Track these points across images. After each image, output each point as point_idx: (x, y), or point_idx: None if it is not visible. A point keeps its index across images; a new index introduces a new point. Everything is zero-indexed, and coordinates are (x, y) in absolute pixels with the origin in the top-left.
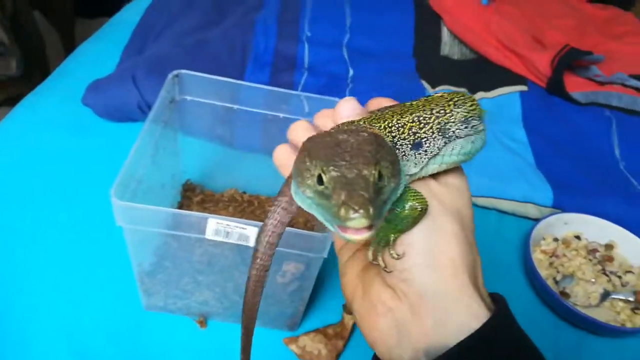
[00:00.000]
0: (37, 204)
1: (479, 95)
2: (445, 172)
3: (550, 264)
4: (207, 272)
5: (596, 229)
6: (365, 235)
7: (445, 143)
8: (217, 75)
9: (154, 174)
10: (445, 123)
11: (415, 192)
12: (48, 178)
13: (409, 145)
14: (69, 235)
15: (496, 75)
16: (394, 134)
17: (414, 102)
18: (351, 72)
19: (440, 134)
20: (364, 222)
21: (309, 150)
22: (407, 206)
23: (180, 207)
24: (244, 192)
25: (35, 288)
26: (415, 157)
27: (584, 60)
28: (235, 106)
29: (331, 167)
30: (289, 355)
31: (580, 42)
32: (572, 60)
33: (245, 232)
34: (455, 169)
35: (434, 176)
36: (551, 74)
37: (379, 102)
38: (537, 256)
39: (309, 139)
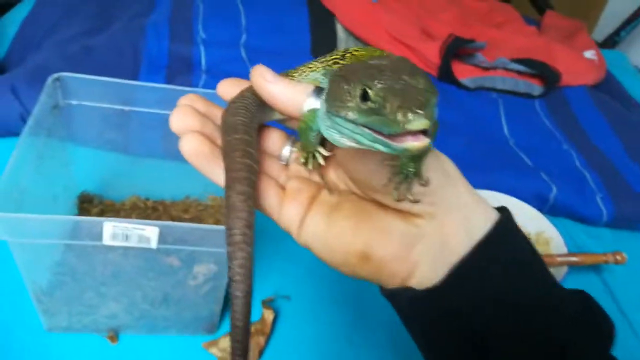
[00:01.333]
0: None
1: None
2: None
3: None
4: (111, 283)
5: (494, 202)
6: (424, 142)
7: None
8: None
9: (41, 186)
10: None
11: None
12: None
13: None
14: None
15: None
16: None
17: (360, 54)
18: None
19: None
20: (424, 122)
21: (344, 75)
22: None
23: None
24: (147, 199)
25: None
26: None
27: (468, 47)
28: (128, 108)
29: (376, 81)
30: (211, 359)
31: (464, 32)
32: (457, 48)
33: (145, 233)
34: None
35: None
36: (440, 62)
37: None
38: None
39: (339, 70)
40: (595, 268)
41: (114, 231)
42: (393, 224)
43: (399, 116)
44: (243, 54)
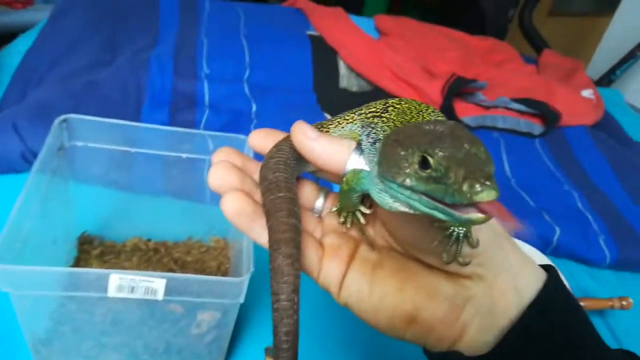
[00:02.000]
0: None
1: None
2: None
3: None
4: (112, 333)
5: None
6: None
7: None
8: (111, 118)
9: (43, 230)
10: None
11: None
12: None
13: None
14: None
15: None
16: None
17: (403, 108)
18: (254, 107)
19: None
20: (493, 194)
21: (399, 140)
22: None
23: (77, 262)
24: (149, 240)
25: None
26: None
27: (469, 87)
28: (133, 149)
29: (437, 149)
30: None
31: (466, 71)
32: (459, 87)
33: (153, 285)
34: None
35: None
36: (442, 101)
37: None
38: None
39: (391, 134)
40: (600, 313)
41: (119, 283)
42: (440, 285)
43: (465, 187)
44: (246, 89)
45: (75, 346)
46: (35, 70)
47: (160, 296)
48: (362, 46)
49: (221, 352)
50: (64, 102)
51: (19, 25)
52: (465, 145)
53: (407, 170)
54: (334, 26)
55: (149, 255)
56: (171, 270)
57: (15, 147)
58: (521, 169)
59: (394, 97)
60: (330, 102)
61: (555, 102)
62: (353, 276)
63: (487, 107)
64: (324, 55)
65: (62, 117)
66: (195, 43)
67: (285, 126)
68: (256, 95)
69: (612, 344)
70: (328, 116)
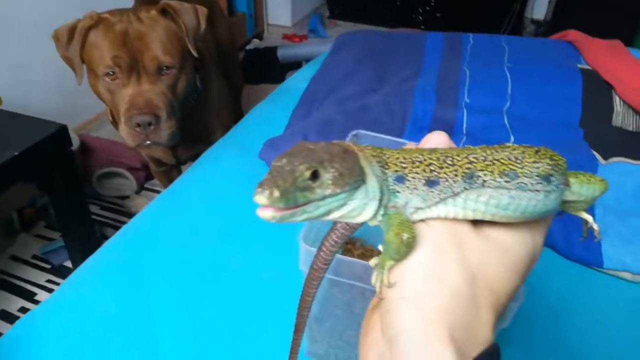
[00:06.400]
0: (215, 247)
1: None
2: (497, 224)
3: None
4: None
5: None
6: (266, 213)
7: (466, 189)
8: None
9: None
10: (478, 170)
11: (404, 220)
12: (225, 222)
13: (422, 181)
14: (243, 276)
15: None
16: (404, 165)
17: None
18: (512, 139)
19: (464, 178)
20: (262, 199)
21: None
22: (391, 231)
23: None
24: None
25: (213, 328)
26: (426, 194)
27: None
28: None
29: (276, 159)
30: None
31: None
32: None
33: None
34: (513, 225)
35: (480, 223)
36: None
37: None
38: None
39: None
40: None
41: None
42: (374, 315)
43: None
44: (505, 120)
45: (339, 330)
46: (317, 93)
47: None
48: None
49: None
50: (340, 122)
51: (302, 56)
52: (298, 162)
53: None
54: (611, 60)
55: None
56: None
57: None
58: None
59: None
60: (601, 139)
61: None
62: None
63: None
64: (597, 90)
65: (354, 132)
66: (457, 74)
67: None
68: (515, 127)
69: None
70: (596, 154)
